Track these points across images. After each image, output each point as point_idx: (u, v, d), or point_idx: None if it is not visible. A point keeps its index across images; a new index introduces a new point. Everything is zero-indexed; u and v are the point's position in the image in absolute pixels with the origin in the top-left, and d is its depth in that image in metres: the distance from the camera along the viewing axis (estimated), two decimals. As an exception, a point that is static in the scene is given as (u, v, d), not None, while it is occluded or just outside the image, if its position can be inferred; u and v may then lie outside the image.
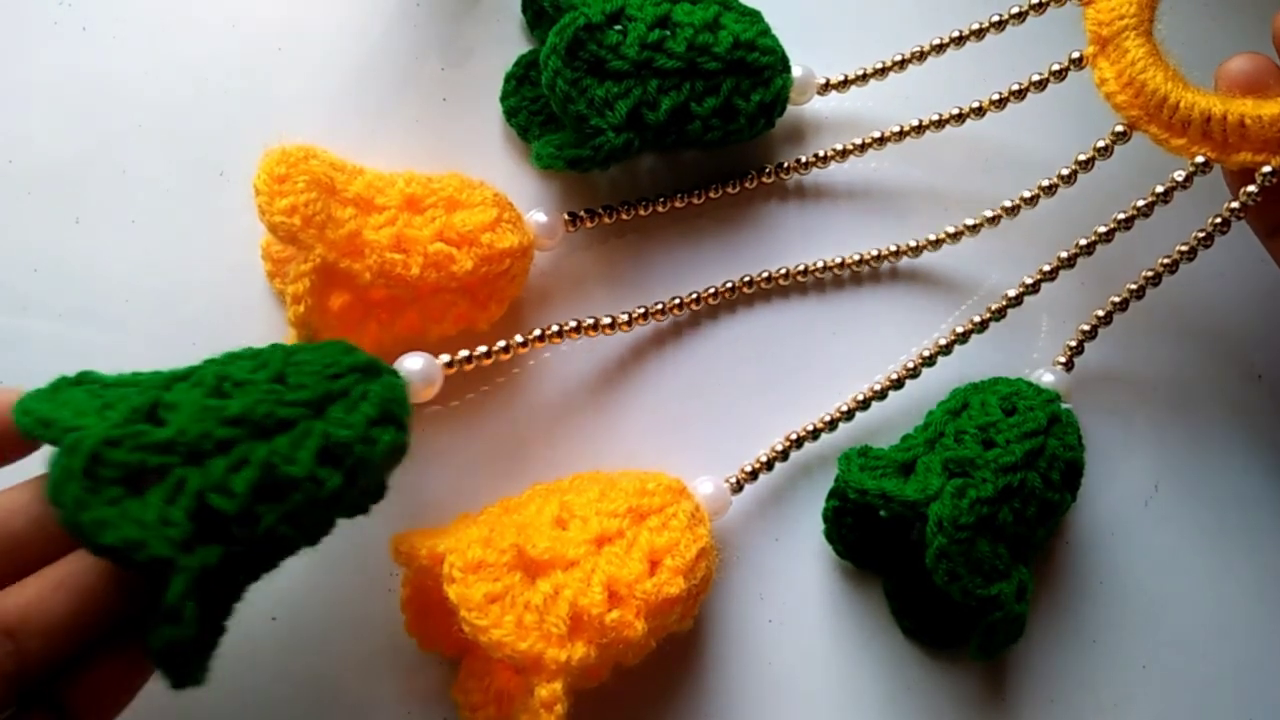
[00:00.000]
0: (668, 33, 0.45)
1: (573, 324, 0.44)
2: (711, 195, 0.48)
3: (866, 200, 0.50)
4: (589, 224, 0.46)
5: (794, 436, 0.45)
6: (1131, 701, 0.45)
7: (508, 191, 0.45)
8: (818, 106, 0.50)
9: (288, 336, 0.42)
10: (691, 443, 0.46)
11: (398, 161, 0.45)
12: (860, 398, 0.46)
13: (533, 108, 0.48)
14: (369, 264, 0.39)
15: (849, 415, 0.46)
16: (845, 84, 0.49)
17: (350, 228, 0.39)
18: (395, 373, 0.38)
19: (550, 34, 0.43)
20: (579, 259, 0.48)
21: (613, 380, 0.47)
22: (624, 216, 0.47)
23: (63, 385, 0.34)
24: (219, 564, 0.31)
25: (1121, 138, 0.44)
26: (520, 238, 0.43)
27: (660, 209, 0.48)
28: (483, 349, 0.42)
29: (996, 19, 0.46)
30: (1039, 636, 0.45)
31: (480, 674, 0.39)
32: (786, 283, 0.48)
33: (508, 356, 0.43)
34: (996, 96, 0.46)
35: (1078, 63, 0.45)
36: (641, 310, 0.46)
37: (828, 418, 0.46)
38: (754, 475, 0.44)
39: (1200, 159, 0.43)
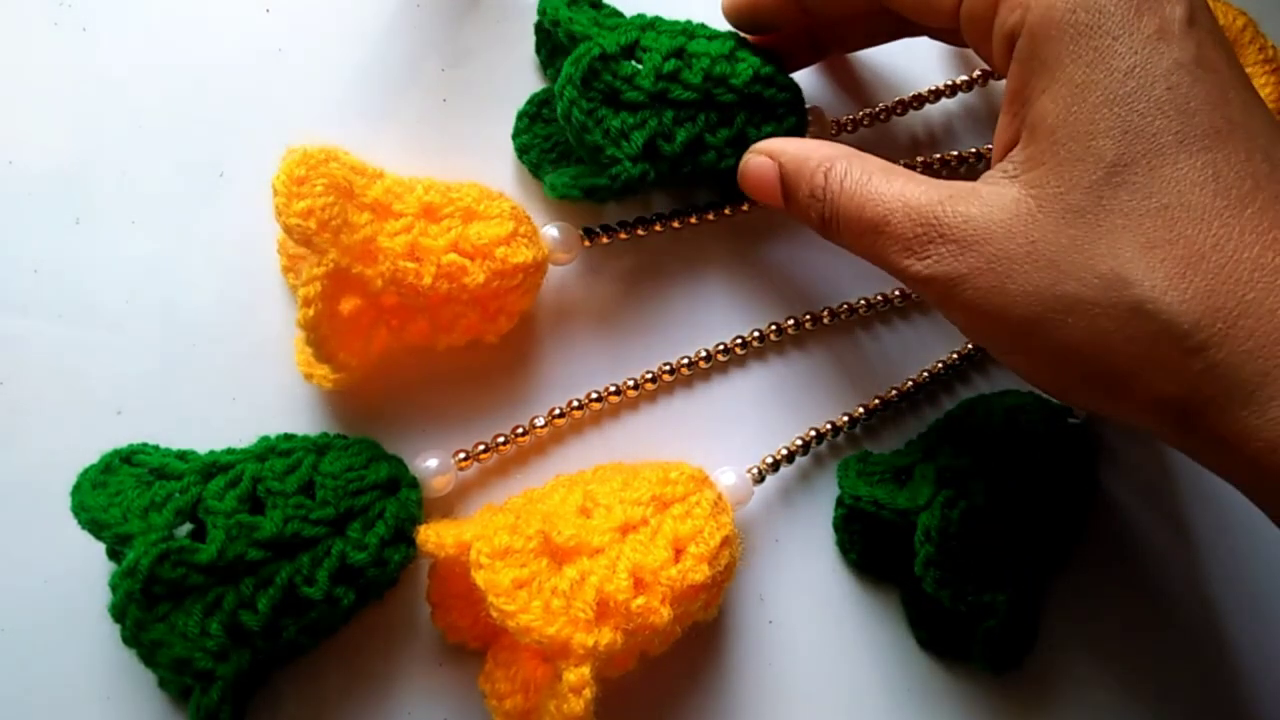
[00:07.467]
0: (683, 64, 0.46)
1: (577, 401, 0.47)
2: (727, 213, 0.50)
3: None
4: (605, 240, 0.48)
5: (815, 432, 0.48)
6: (1132, 701, 0.47)
7: (514, 197, 0.46)
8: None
9: (297, 338, 0.45)
10: (713, 435, 0.48)
11: (398, 162, 0.46)
12: (879, 400, 0.49)
13: (544, 145, 0.50)
14: (381, 270, 0.40)
15: (869, 415, 0.49)
16: (856, 126, 0.52)
17: (365, 233, 0.40)
18: (414, 483, 0.43)
19: (565, 64, 0.44)
20: (595, 275, 0.50)
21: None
22: (640, 233, 0.49)
23: (115, 464, 0.41)
24: (249, 666, 0.38)
25: None
26: (535, 253, 0.44)
27: (677, 226, 0.49)
28: (501, 438, 0.46)
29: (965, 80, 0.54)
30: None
31: (507, 663, 0.40)
32: (813, 327, 0.50)
33: (524, 439, 0.47)
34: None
35: None
36: (650, 375, 0.48)
37: (847, 417, 0.48)
38: (775, 467, 0.47)
39: None
